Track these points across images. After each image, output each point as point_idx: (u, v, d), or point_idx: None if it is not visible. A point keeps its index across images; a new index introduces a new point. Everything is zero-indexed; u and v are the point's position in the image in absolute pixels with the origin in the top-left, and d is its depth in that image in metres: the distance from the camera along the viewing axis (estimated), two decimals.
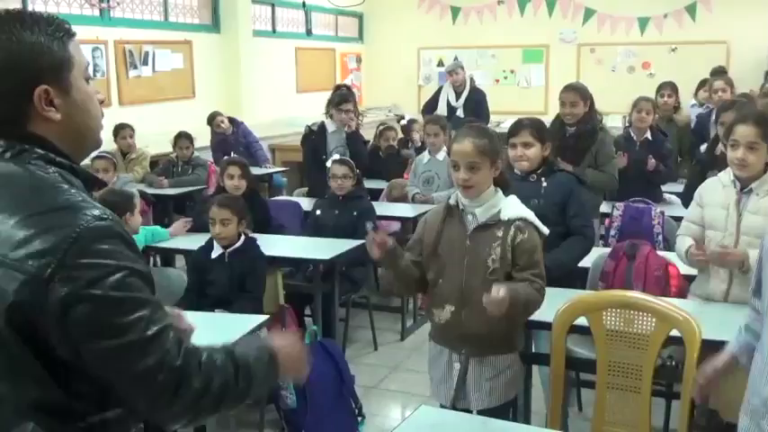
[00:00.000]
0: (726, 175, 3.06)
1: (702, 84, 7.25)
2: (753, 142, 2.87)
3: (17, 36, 1.26)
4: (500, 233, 2.60)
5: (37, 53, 1.27)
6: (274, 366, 1.45)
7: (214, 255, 3.78)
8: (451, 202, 2.71)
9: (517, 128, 3.41)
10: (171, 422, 1.33)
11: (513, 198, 2.69)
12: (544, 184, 3.35)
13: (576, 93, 4.69)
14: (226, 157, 5.61)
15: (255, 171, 6.57)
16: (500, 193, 2.67)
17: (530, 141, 3.35)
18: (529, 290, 2.55)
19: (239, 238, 3.79)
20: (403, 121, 8.84)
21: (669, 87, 6.56)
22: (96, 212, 1.22)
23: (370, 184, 5.87)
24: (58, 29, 1.31)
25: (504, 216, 2.61)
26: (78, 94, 1.33)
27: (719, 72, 7.45)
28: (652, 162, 5.10)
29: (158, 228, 4.61)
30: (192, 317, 3.32)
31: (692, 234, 3.12)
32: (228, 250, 3.75)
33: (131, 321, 1.21)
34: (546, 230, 2.68)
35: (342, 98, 5.89)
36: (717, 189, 3.07)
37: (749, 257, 2.82)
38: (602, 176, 4.57)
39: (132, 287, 1.22)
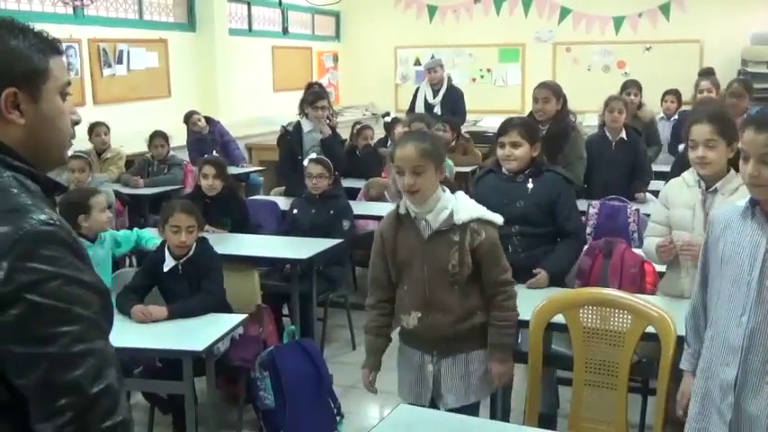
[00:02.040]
0: (690, 175, 3.06)
1: (665, 95, 7.28)
2: (709, 140, 2.89)
3: (0, 40, 1.29)
4: (456, 238, 2.59)
5: (14, 58, 1.29)
6: None
7: (167, 268, 3.54)
8: (401, 210, 2.68)
9: (506, 127, 3.38)
10: None
11: (460, 195, 2.67)
12: (530, 185, 3.33)
13: (549, 89, 4.72)
14: (203, 157, 5.58)
15: (232, 170, 6.53)
16: (447, 192, 2.64)
17: (518, 141, 3.31)
18: (500, 316, 2.66)
19: (191, 247, 3.56)
20: (387, 118, 8.83)
21: (634, 86, 6.71)
22: (43, 217, 1.21)
23: (347, 183, 5.87)
24: (43, 42, 1.34)
25: (458, 220, 2.59)
26: (48, 107, 1.33)
27: (707, 73, 7.47)
28: (641, 196, 5.10)
29: (145, 232, 4.29)
30: (168, 324, 3.33)
31: (659, 234, 3.13)
32: (182, 261, 3.53)
33: (56, 333, 1.17)
34: (500, 220, 2.67)
35: (316, 96, 5.87)
36: (682, 189, 3.08)
37: None
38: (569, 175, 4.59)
39: (68, 297, 1.19)
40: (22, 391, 1.19)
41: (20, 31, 1.32)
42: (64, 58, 1.39)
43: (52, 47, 1.36)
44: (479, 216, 2.62)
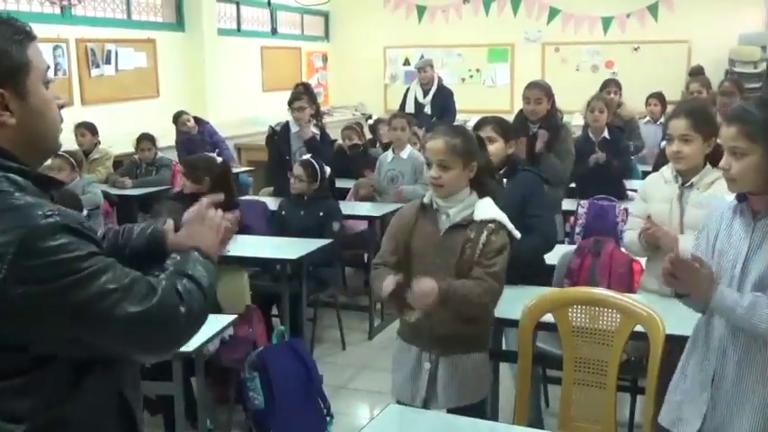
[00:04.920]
0: (668, 170, 3.10)
1: (649, 98, 7.30)
2: (684, 134, 2.92)
3: None
4: (472, 234, 2.59)
5: None
6: (212, 262, 1.54)
7: None
8: (425, 200, 2.69)
9: (480, 123, 3.43)
10: (173, 349, 1.45)
11: (487, 200, 2.67)
12: (505, 184, 3.33)
13: (541, 90, 4.74)
14: None
15: None
16: (475, 195, 2.65)
17: (493, 136, 3.35)
18: (470, 285, 2.52)
19: None
20: (370, 121, 8.85)
21: (614, 84, 6.77)
22: (40, 211, 1.22)
23: (337, 183, 5.85)
24: (16, 32, 1.29)
25: (478, 217, 2.59)
26: (35, 100, 1.31)
27: (697, 73, 7.50)
28: (599, 156, 5.14)
29: None
30: None
31: (638, 228, 3.15)
32: None
33: (98, 288, 1.24)
34: (518, 234, 2.67)
35: (293, 96, 5.87)
36: (659, 184, 3.12)
37: (679, 241, 2.84)
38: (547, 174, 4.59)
39: (89, 264, 1.24)
40: (114, 352, 1.33)
41: None
42: (37, 43, 1.35)
43: (26, 34, 1.31)
44: (500, 219, 2.62)
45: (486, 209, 2.63)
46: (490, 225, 2.59)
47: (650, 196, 3.14)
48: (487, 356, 2.76)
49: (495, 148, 3.35)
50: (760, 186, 2.02)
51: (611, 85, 6.82)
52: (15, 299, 1.17)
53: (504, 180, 3.35)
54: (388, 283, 2.51)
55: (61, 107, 1.41)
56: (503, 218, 2.64)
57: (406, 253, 2.70)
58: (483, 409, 2.79)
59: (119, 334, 1.28)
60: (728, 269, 2.09)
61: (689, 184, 2.99)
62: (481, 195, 2.66)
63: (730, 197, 2.17)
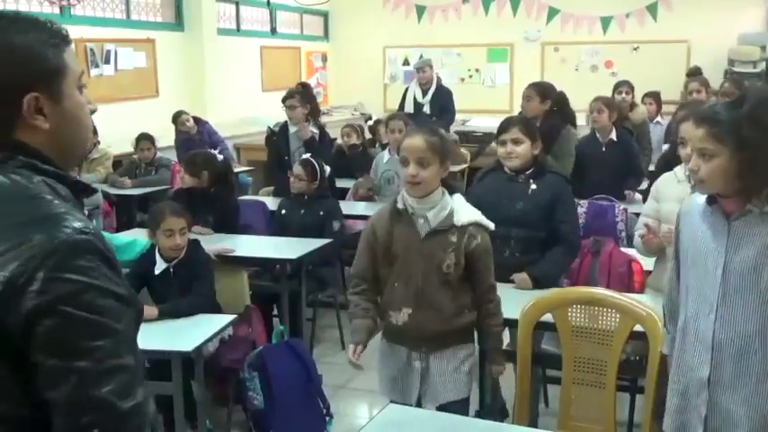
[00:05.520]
0: (681, 171, 3.10)
1: (644, 97, 7.29)
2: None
3: (9, 40, 1.22)
4: (454, 238, 2.61)
5: (29, 59, 1.22)
6: None
7: (158, 270, 3.54)
8: (399, 205, 2.68)
9: (507, 124, 3.38)
10: None
11: (458, 198, 2.69)
12: (533, 186, 3.30)
13: (532, 88, 4.76)
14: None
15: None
16: (446, 194, 2.66)
17: (520, 138, 3.30)
18: (494, 317, 2.73)
19: (184, 248, 3.57)
20: (370, 122, 8.86)
21: (626, 85, 6.74)
22: (78, 225, 1.16)
23: (337, 183, 5.86)
24: (53, 35, 1.26)
25: (458, 221, 2.61)
26: (70, 104, 1.28)
27: (695, 73, 7.50)
28: (630, 194, 5.13)
29: (138, 239, 3.98)
30: (157, 324, 3.31)
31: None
32: (173, 264, 3.54)
33: (90, 347, 1.13)
34: (492, 225, 2.69)
35: (285, 95, 5.87)
36: (672, 184, 3.13)
37: None
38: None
39: (102, 310, 1.14)
40: (50, 405, 1.14)
41: (28, 27, 1.24)
42: (73, 47, 1.32)
43: (63, 39, 1.28)
44: (477, 220, 2.65)
45: (465, 211, 2.64)
46: (470, 229, 2.62)
47: (663, 196, 3.15)
48: (474, 350, 2.77)
49: (523, 150, 3.31)
50: (728, 188, 2.00)
51: (623, 86, 6.78)
52: (24, 308, 1.11)
53: (531, 182, 3.32)
54: (351, 357, 2.66)
55: (92, 112, 1.39)
56: (479, 217, 2.66)
57: (386, 258, 2.69)
58: (467, 405, 2.79)
59: (71, 402, 1.13)
60: (708, 273, 2.06)
61: None
62: (450, 192, 2.68)
63: (702, 198, 2.16)
